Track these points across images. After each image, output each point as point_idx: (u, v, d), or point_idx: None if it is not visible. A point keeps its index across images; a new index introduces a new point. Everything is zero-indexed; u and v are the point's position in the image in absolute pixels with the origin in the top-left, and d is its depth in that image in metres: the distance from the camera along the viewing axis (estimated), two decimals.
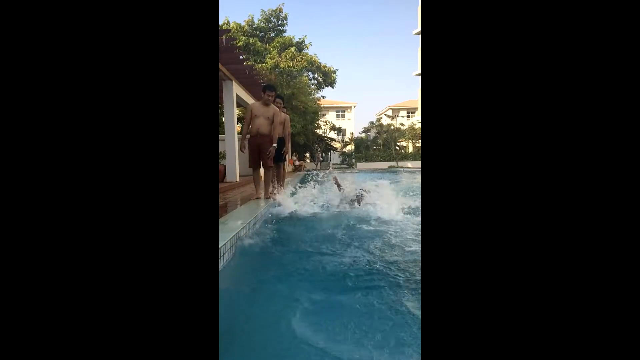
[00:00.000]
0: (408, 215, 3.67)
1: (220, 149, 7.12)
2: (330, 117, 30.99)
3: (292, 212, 3.92)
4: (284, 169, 5.42)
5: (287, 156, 5.15)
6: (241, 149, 4.57)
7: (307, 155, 24.36)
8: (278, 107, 4.75)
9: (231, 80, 6.68)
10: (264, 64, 16.57)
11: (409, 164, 23.25)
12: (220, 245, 2.02)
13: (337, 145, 25.96)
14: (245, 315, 1.53)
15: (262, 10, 19.71)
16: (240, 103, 8.11)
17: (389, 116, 28.47)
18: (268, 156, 4.23)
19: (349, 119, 33.16)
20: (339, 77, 25.47)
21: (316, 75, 20.53)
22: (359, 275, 1.96)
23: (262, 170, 4.46)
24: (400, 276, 1.91)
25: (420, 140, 23.97)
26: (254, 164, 4.34)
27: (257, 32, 19.66)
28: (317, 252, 2.43)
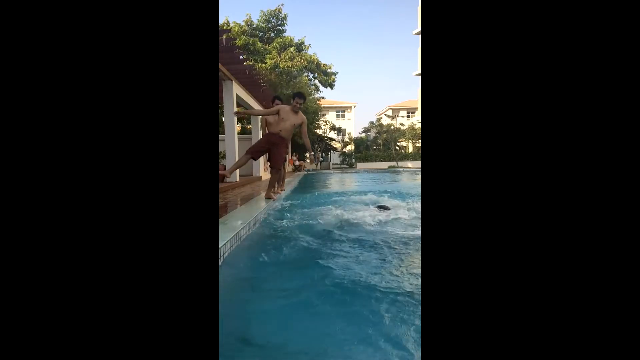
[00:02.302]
0: None
1: (220, 149, 7.12)
2: (330, 117, 30.98)
3: None
4: (284, 169, 5.46)
5: (287, 156, 5.23)
6: (236, 112, 4.67)
7: (307, 155, 24.36)
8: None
9: (231, 80, 6.68)
10: (263, 64, 16.57)
11: (409, 164, 23.24)
12: (220, 245, 2.02)
13: (337, 145, 25.95)
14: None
15: (262, 11, 19.72)
16: (240, 103, 8.11)
17: (389, 116, 28.46)
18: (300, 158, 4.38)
19: (349, 119, 33.14)
20: (339, 77, 25.44)
21: (316, 75, 20.52)
22: None
23: (262, 171, 4.52)
24: None
25: (420, 140, 23.97)
26: (255, 154, 4.31)
27: (257, 32, 19.65)
28: None
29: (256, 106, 8.98)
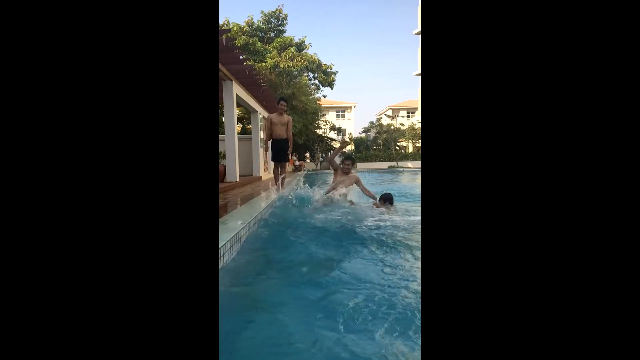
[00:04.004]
0: None
1: (220, 149, 7.12)
2: (330, 117, 30.99)
3: None
4: (284, 169, 5.54)
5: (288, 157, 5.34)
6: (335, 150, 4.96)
7: (307, 155, 24.36)
8: (282, 110, 4.89)
9: (231, 80, 6.68)
10: (264, 64, 16.57)
11: (409, 164, 23.25)
12: (220, 245, 2.02)
13: (337, 145, 25.96)
14: None
15: (262, 11, 19.75)
16: (240, 103, 8.11)
17: (389, 116, 28.47)
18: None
19: (349, 119, 33.18)
20: (338, 77, 25.48)
21: (316, 75, 20.53)
22: None
23: (262, 171, 4.55)
24: None
25: (420, 140, 23.96)
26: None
27: (257, 33, 19.67)
28: None
29: (256, 106, 8.98)
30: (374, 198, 4.52)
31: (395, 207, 4.20)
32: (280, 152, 5.24)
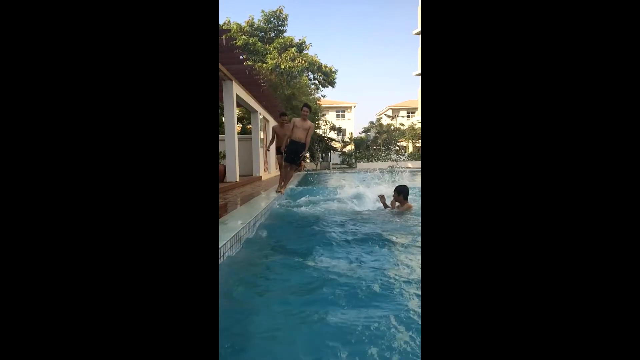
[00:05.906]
0: None
1: (220, 149, 7.12)
2: (330, 117, 30.97)
3: None
4: (291, 169, 5.61)
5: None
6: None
7: (307, 155, 24.37)
8: (305, 116, 4.99)
9: (231, 80, 6.68)
10: (264, 64, 16.57)
11: (409, 164, 23.27)
12: (220, 245, 2.03)
13: (337, 145, 25.96)
14: None
15: (262, 11, 19.76)
16: (240, 103, 8.11)
17: (389, 116, 28.50)
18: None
19: (349, 119, 33.17)
20: (338, 77, 25.45)
21: (316, 75, 20.53)
22: None
23: (262, 171, 4.53)
24: None
25: (420, 140, 23.98)
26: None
27: (257, 32, 19.67)
28: None
29: (256, 106, 8.98)
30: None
31: (414, 208, 3.76)
32: (294, 155, 5.28)
